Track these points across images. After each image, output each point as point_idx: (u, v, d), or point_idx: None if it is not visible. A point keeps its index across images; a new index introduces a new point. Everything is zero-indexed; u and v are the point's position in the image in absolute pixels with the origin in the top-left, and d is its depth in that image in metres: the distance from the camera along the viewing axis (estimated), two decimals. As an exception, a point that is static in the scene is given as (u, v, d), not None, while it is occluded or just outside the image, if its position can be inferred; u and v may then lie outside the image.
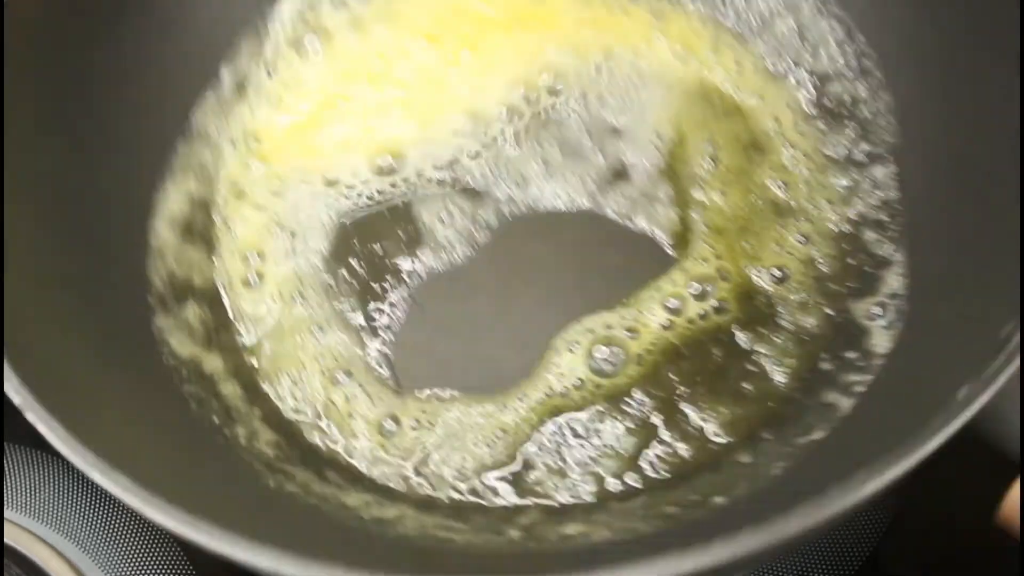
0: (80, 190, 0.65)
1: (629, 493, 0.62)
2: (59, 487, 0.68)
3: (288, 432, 0.64)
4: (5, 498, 0.67)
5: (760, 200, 0.69)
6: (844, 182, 0.69)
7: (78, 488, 0.68)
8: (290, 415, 0.65)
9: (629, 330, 0.66)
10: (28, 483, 0.68)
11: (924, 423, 0.48)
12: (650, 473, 0.63)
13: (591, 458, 0.63)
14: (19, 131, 0.61)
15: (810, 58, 0.73)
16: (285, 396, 0.66)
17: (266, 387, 0.66)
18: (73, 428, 0.50)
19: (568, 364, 0.65)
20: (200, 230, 0.70)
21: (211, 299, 0.68)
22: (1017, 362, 0.48)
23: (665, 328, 0.66)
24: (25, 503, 0.67)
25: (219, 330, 0.67)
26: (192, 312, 0.67)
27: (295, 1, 0.75)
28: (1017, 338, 0.49)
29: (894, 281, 0.66)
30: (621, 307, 0.67)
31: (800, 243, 0.68)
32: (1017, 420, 0.50)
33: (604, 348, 0.65)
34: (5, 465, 0.69)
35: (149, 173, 0.70)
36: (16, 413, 0.49)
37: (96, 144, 0.67)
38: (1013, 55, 0.62)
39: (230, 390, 0.65)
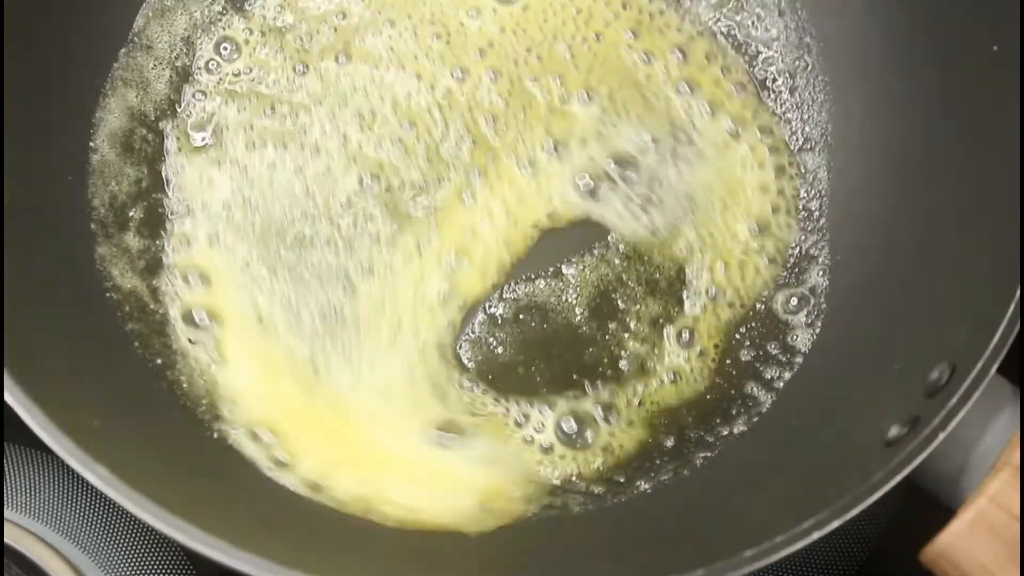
0: (20, 106, 0.63)
1: (561, 466, 0.65)
2: (59, 487, 0.68)
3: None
4: (5, 498, 0.67)
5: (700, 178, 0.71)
6: (778, 164, 0.71)
7: (78, 488, 0.68)
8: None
9: (604, 408, 0.67)
10: (28, 483, 0.68)
11: (863, 476, 0.51)
12: (583, 447, 0.65)
13: (529, 434, 0.66)
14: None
15: (752, 28, 0.74)
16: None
17: (205, 324, 0.66)
18: (18, 375, 0.50)
19: (537, 420, 0.67)
20: (140, 146, 0.68)
21: (152, 223, 0.67)
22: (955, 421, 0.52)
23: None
24: (25, 503, 0.67)
25: (159, 259, 0.66)
26: (133, 238, 0.66)
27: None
28: (956, 398, 0.53)
29: (816, 276, 0.69)
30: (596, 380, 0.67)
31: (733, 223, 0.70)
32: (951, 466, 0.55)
33: (573, 423, 0.66)
34: (5, 465, 0.68)
35: (90, 86, 0.68)
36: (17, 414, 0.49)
37: (35, 55, 0.64)
38: (954, 58, 0.65)
39: (170, 327, 0.65)
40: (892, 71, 0.69)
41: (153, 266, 0.66)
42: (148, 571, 0.67)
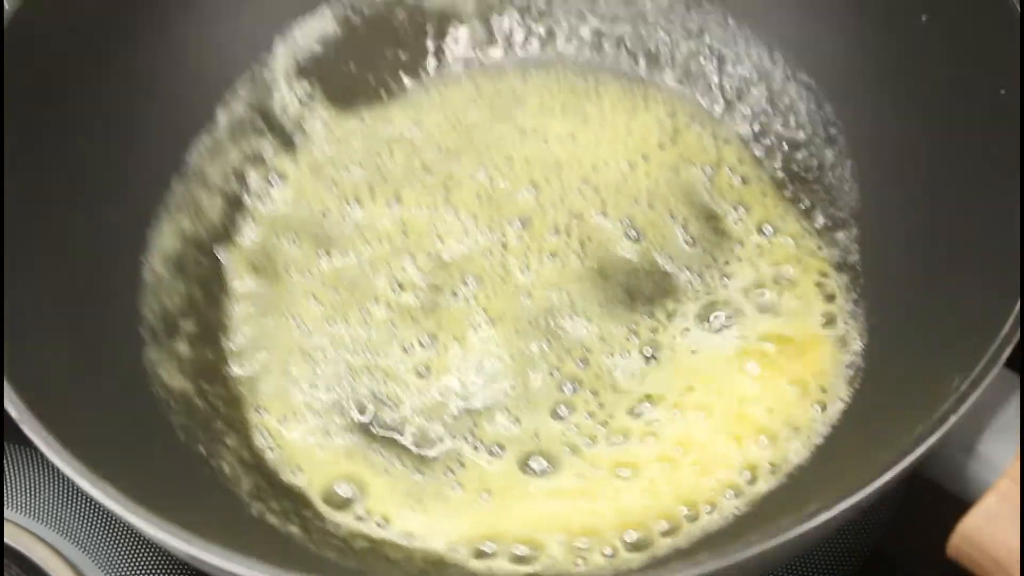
0: (77, 222, 0.68)
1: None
2: (59, 487, 0.69)
3: (267, 472, 0.66)
4: (5, 498, 0.68)
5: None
6: (809, 243, 0.72)
7: (78, 488, 0.68)
8: (269, 456, 0.67)
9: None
10: (28, 483, 0.70)
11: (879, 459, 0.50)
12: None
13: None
14: (16, 163, 0.64)
15: (780, 127, 0.77)
16: (266, 436, 0.68)
17: (251, 424, 0.68)
18: (68, 442, 0.54)
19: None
20: (193, 268, 0.72)
21: (202, 336, 0.70)
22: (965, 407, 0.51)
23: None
24: (25, 503, 0.69)
25: (209, 366, 0.69)
26: (183, 346, 0.69)
27: (290, 49, 0.79)
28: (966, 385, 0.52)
29: (853, 344, 0.68)
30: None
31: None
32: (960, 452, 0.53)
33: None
34: (5, 465, 0.70)
35: (144, 208, 0.72)
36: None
37: (92, 179, 0.70)
38: (973, 129, 0.66)
39: (218, 426, 0.67)
40: (911, 140, 0.71)
41: (202, 371, 0.69)
42: (148, 571, 0.68)
